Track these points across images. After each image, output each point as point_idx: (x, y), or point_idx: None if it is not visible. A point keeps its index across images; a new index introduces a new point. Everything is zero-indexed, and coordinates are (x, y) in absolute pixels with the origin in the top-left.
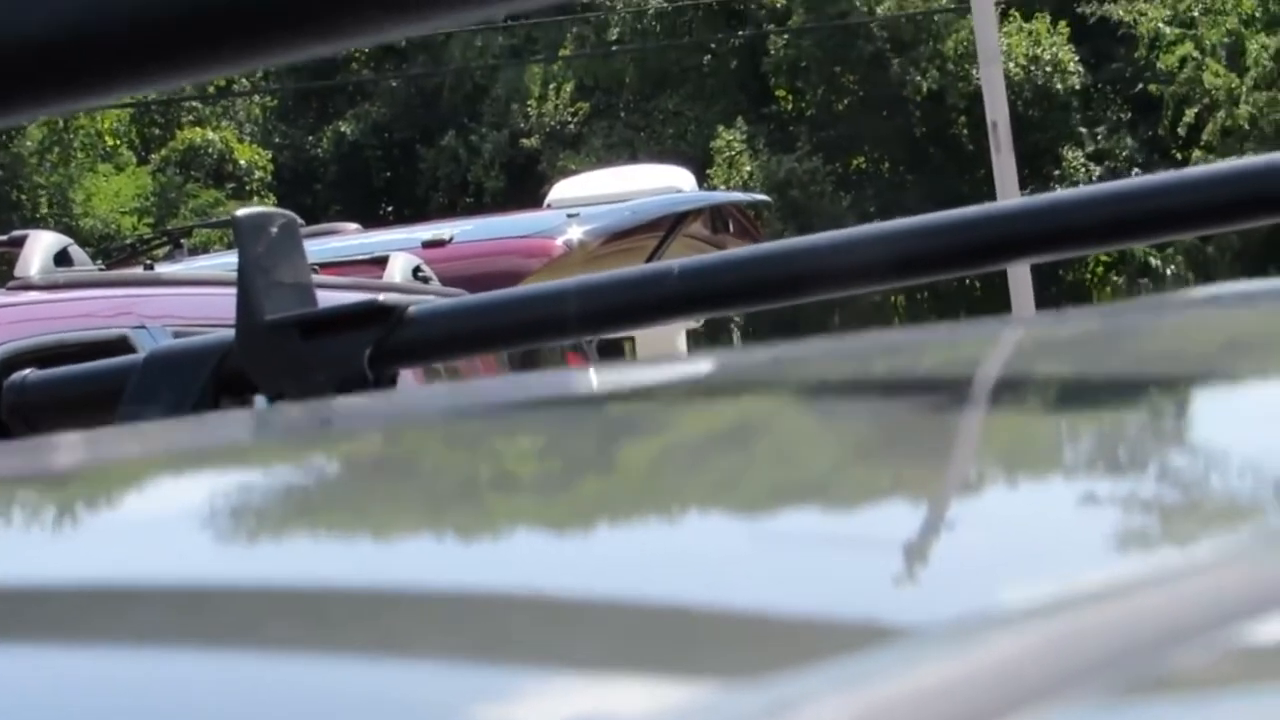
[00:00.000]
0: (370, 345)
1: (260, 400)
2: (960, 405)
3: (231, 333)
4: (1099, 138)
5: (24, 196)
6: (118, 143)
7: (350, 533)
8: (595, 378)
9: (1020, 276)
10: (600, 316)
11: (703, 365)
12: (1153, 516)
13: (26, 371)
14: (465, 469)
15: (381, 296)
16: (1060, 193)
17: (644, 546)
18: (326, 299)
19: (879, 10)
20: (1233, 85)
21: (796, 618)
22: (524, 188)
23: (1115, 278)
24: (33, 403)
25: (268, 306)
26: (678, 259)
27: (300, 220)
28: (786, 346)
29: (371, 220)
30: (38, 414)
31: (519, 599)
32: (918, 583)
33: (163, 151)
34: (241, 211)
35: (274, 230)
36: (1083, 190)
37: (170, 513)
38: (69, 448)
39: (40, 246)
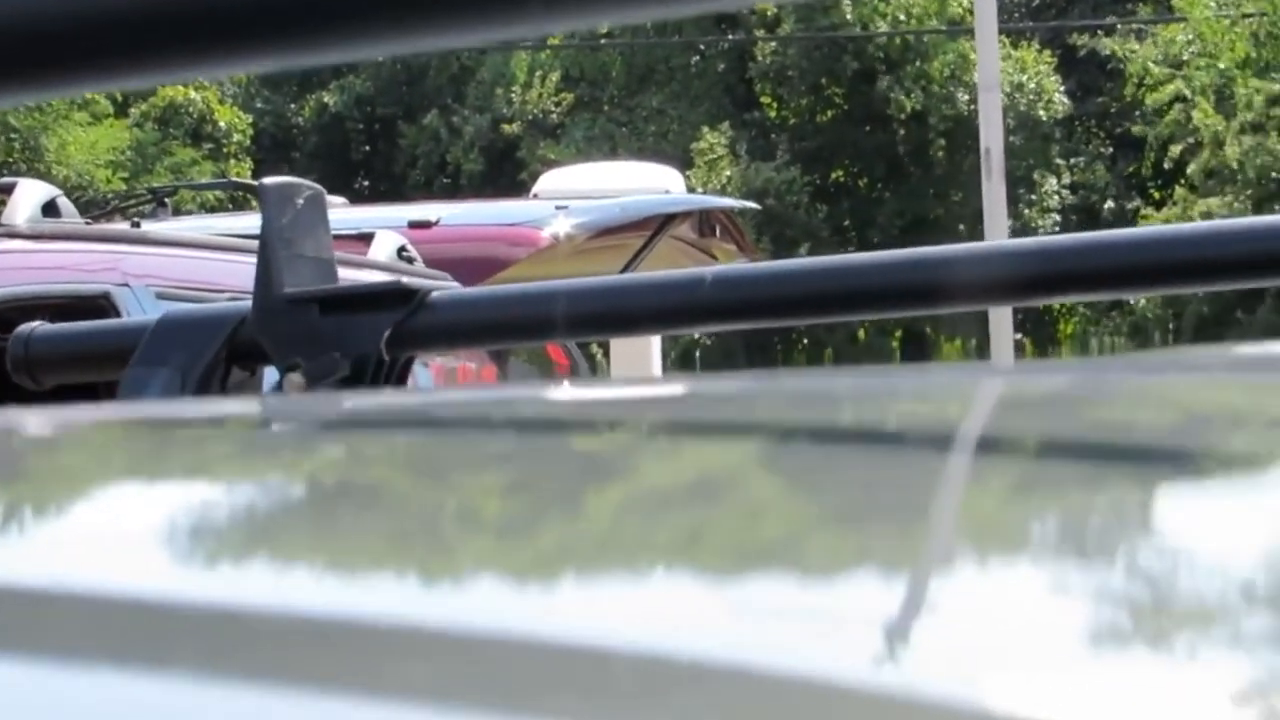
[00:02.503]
0: (389, 327)
1: (270, 373)
2: (946, 464)
3: (246, 302)
4: (1077, 168)
5: None
6: (99, 93)
7: (301, 555)
8: (573, 397)
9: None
10: (626, 318)
11: (681, 393)
12: (1138, 615)
13: (34, 325)
14: (441, 497)
15: (404, 279)
16: (1107, 233)
17: (605, 608)
18: None
19: (872, 27)
20: (1220, 127)
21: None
22: (502, 172)
23: (1083, 309)
24: (38, 357)
25: (287, 279)
26: (710, 267)
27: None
28: (760, 381)
29: (349, 193)
30: (43, 369)
31: (475, 648)
32: (898, 671)
33: (142, 106)
34: (269, 179)
35: (300, 201)
36: (1126, 233)
37: (143, 514)
38: (56, 428)
39: (28, 195)
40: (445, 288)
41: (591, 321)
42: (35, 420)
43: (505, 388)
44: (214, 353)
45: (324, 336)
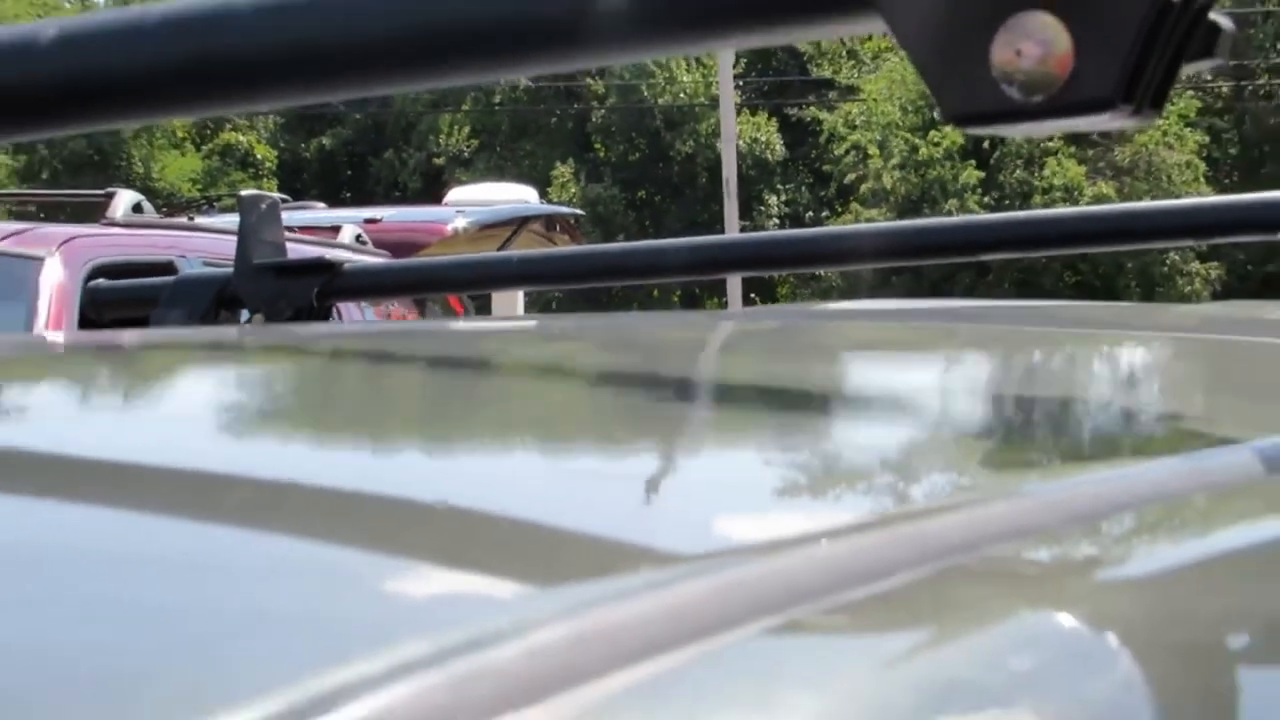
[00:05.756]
0: (318, 286)
1: (244, 314)
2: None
3: (229, 268)
4: (790, 191)
5: (122, 163)
6: (186, 134)
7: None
8: (451, 328)
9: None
10: (463, 282)
11: (521, 325)
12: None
13: (99, 281)
14: (360, 394)
15: (329, 254)
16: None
17: (459, 467)
18: (298, 252)
19: (660, 101)
20: (880, 165)
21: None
22: (432, 189)
23: (793, 277)
24: (102, 301)
25: (256, 254)
26: (519, 250)
27: (288, 198)
28: (565, 322)
29: (336, 202)
30: (105, 309)
31: (345, 502)
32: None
33: (211, 144)
34: (245, 192)
35: (264, 205)
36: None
37: (176, 398)
38: (119, 344)
39: (124, 199)
40: (367, 261)
41: (446, 284)
42: (94, 337)
43: (410, 324)
44: (209, 301)
45: (278, 292)
